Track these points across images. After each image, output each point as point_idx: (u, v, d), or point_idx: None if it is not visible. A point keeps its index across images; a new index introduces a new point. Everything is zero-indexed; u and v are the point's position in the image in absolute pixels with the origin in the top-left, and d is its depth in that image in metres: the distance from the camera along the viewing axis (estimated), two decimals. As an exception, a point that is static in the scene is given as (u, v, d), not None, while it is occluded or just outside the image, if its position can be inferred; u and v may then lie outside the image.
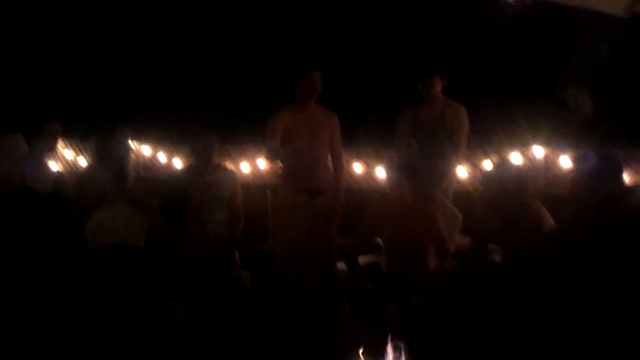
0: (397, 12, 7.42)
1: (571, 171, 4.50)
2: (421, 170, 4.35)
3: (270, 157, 4.97)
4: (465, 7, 6.87)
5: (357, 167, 5.60)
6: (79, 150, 6.72)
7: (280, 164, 4.86)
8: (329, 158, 4.74)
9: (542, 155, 5.11)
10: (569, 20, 5.41)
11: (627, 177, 4.57)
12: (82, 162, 6.57)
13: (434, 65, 4.81)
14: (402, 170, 4.17)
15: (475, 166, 5.31)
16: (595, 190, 3.39)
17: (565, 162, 5.01)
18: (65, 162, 6.77)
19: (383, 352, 2.90)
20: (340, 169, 4.74)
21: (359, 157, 5.60)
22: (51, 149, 4.50)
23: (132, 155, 6.04)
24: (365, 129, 5.63)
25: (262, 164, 5.95)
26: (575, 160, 3.75)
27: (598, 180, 3.43)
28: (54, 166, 5.55)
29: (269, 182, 5.92)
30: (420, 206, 4.12)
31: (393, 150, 5.00)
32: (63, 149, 6.70)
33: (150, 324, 3.39)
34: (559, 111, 6.16)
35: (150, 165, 6.47)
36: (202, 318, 3.70)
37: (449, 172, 4.73)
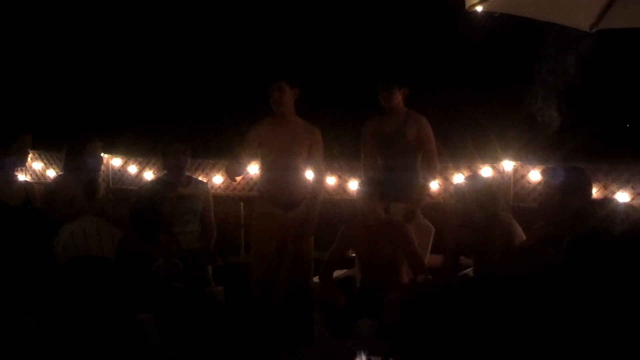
0: (368, 24, 7.50)
1: (540, 185, 4.57)
2: (387, 185, 4.33)
3: (229, 175, 4.93)
4: (434, 21, 6.97)
5: (331, 180, 5.61)
6: (48, 162, 6.63)
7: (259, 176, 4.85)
8: (307, 172, 4.75)
9: (511, 169, 5.18)
10: (537, 34, 5.51)
11: (595, 191, 4.66)
12: (52, 174, 6.49)
13: (396, 76, 4.67)
14: (372, 185, 4.17)
15: (446, 179, 5.37)
16: (564, 203, 3.44)
17: (535, 176, 5.09)
18: (34, 173, 6.68)
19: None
20: (317, 183, 4.71)
21: (332, 171, 5.62)
22: (21, 162, 4.43)
23: (103, 167, 5.98)
24: (339, 141, 5.65)
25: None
26: (544, 174, 3.80)
27: (566, 194, 3.49)
28: (22, 178, 5.46)
29: (242, 194, 5.92)
30: (393, 221, 4.14)
31: (361, 164, 4.92)
32: (32, 160, 6.62)
33: (120, 338, 3.35)
34: (528, 126, 6.27)
35: (120, 176, 6.42)
36: (174, 332, 3.66)
37: (416, 184, 4.65)
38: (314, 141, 4.65)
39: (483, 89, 6.82)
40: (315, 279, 4.43)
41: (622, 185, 4.79)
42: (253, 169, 5.80)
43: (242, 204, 5.68)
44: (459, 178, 5.25)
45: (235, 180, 5.45)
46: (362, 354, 2.78)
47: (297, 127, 4.62)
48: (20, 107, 7.37)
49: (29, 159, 5.01)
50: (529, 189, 5.13)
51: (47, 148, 6.51)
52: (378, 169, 4.75)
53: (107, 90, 8.20)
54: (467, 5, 3.62)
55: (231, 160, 4.71)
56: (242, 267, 4.92)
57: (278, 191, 4.58)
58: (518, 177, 5.19)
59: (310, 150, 4.64)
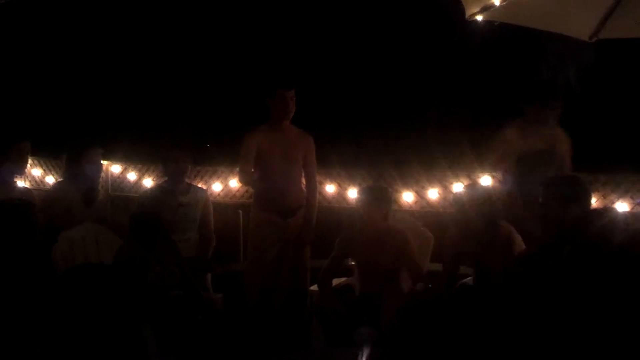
0: (366, 35, 7.52)
1: (539, 194, 4.56)
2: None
3: (244, 182, 4.96)
4: (434, 30, 7.00)
5: (330, 188, 5.60)
6: (47, 169, 6.62)
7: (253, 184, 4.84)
8: (303, 179, 4.76)
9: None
10: (537, 43, 5.53)
11: (594, 201, 4.65)
12: (51, 180, 6.48)
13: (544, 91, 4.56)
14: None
15: (445, 188, 5.35)
16: (563, 213, 3.45)
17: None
18: (33, 180, 6.66)
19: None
20: (313, 190, 4.73)
21: (331, 179, 5.61)
22: (20, 170, 4.42)
23: (102, 174, 5.97)
24: (338, 149, 5.65)
25: (234, 183, 5.93)
26: (543, 183, 3.80)
27: (565, 203, 3.49)
28: (22, 185, 5.45)
29: (241, 202, 5.90)
30: (393, 229, 4.14)
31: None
32: (32, 167, 6.60)
33: (118, 345, 3.33)
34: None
35: (120, 183, 6.40)
36: (172, 340, 3.65)
37: None
38: (309, 148, 4.68)
39: (482, 97, 6.83)
40: (314, 287, 4.43)
41: (621, 195, 4.78)
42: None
43: (240, 211, 5.66)
44: (458, 187, 5.24)
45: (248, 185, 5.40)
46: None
47: (293, 134, 4.65)
48: (20, 113, 7.36)
49: (27, 165, 5.00)
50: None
51: (46, 154, 6.49)
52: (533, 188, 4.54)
53: (107, 96, 8.21)
54: (468, 14, 3.64)
55: (242, 169, 4.69)
56: (240, 274, 4.91)
57: (276, 198, 4.58)
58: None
59: (306, 157, 4.66)
